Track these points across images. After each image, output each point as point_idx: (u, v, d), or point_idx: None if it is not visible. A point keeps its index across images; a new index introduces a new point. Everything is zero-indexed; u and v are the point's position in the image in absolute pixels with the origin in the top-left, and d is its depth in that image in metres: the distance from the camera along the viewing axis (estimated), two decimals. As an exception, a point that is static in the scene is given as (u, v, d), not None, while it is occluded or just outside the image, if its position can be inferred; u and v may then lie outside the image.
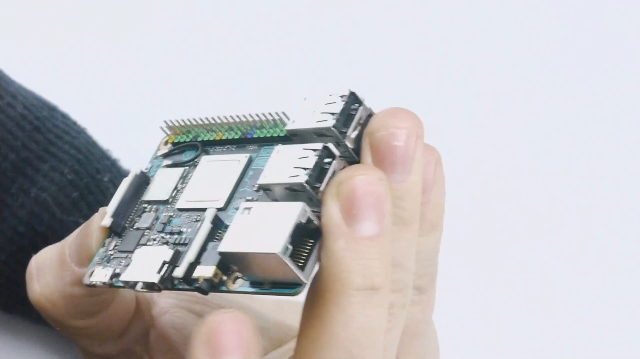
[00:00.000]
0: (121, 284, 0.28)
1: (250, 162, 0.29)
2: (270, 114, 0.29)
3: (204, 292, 0.26)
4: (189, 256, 0.27)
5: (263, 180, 0.26)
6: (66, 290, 0.30)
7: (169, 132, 0.32)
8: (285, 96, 0.57)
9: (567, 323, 0.53)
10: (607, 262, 0.55)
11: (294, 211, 0.25)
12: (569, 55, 0.59)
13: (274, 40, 0.57)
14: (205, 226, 0.27)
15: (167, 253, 0.27)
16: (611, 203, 0.56)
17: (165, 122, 0.32)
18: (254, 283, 0.26)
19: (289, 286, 0.25)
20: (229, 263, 0.26)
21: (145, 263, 0.28)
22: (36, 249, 0.44)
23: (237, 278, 0.26)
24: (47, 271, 0.31)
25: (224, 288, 0.26)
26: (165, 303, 0.34)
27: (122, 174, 0.47)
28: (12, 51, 0.55)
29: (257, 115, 0.29)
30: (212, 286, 0.26)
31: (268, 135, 0.29)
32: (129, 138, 0.54)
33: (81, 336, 0.32)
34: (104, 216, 0.30)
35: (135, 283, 0.27)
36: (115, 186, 0.46)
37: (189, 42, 0.57)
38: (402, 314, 0.27)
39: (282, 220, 0.25)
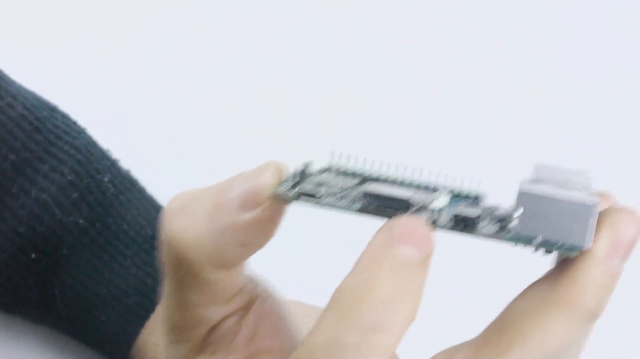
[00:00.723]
0: (363, 196, 0.28)
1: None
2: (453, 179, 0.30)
3: (460, 227, 0.27)
4: (453, 192, 0.29)
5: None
6: (218, 234, 0.29)
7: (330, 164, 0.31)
8: (285, 96, 0.57)
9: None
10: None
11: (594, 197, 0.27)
12: (570, 55, 0.59)
13: (275, 40, 0.57)
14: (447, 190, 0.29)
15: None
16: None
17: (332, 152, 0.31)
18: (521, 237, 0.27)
19: (567, 248, 0.27)
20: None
21: (391, 188, 0.28)
22: (36, 250, 0.44)
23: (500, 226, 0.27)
24: (198, 211, 0.29)
25: (485, 232, 0.27)
26: (268, 289, 0.33)
27: (122, 174, 0.47)
28: (12, 51, 0.55)
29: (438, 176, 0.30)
30: (471, 224, 0.27)
31: (456, 193, 0.30)
32: (129, 138, 0.54)
33: (197, 291, 0.30)
34: (282, 167, 0.29)
35: (382, 197, 0.28)
36: (116, 187, 0.46)
37: (189, 42, 0.57)
38: None
39: (582, 194, 0.27)
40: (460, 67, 0.58)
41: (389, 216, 0.27)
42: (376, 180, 0.30)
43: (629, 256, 0.27)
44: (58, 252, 0.45)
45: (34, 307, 0.46)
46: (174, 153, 0.55)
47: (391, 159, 0.30)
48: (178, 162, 0.55)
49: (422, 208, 0.28)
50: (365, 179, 0.30)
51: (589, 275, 0.27)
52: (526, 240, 0.27)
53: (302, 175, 0.30)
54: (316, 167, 0.31)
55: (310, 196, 0.29)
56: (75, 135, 0.46)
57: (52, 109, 0.46)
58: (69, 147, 0.45)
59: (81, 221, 0.45)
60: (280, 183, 0.29)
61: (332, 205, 0.29)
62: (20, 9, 0.56)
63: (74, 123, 0.47)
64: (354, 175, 0.30)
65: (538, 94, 0.58)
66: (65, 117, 0.47)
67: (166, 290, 0.31)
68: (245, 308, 0.32)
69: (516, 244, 0.27)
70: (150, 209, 0.46)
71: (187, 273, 0.30)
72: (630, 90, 0.59)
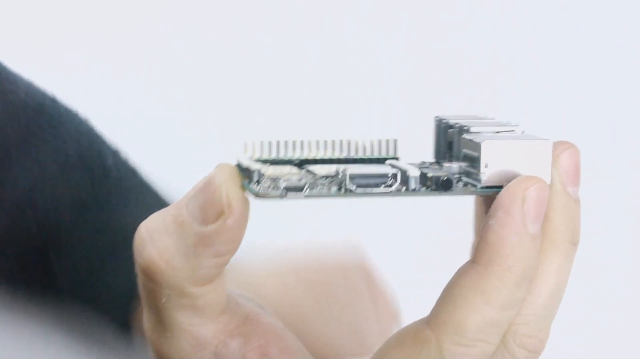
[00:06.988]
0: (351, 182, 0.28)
1: None
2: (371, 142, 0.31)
3: (441, 189, 0.29)
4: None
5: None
6: (189, 252, 0.28)
7: (247, 154, 0.30)
8: (284, 96, 0.57)
9: (566, 323, 0.53)
10: (606, 262, 0.55)
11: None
12: (569, 55, 0.60)
13: (274, 40, 0.58)
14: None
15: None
16: (610, 203, 0.56)
17: (246, 143, 0.30)
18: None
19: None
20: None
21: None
22: (37, 223, 0.44)
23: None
24: (163, 235, 0.29)
25: (459, 190, 0.29)
26: (258, 306, 0.33)
27: (124, 162, 0.47)
28: (12, 50, 0.55)
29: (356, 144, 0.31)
30: (449, 185, 0.29)
31: (379, 157, 0.31)
32: (129, 138, 0.54)
33: (187, 309, 0.30)
34: (233, 170, 0.29)
35: (367, 176, 0.28)
36: (119, 171, 0.46)
37: (189, 42, 0.57)
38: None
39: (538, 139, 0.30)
40: (462, 69, 0.59)
41: (373, 193, 0.29)
42: (312, 162, 0.30)
43: (579, 181, 0.30)
44: (59, 226, 0.44)
45: (35, 274, 0.45)
46: (174, 152, 0.55)
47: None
48: (178, 162, 0.55)
49: (403, 177, 0.29)
50: (302, 162, 0.30)
51: (557, 208, 0.29)
52: (495, 189, 0.29)
53: (248, 171, 0.29)
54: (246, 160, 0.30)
55: (298, 190, 0.29)
56: (78, 122, 0.46)
57: (53, 100, 0.47)
58: (74, 131, 0.45)
59: (83, 195, 0.45)
60: (244, 182, 0.29)
61: (318, 195, 0.29)
62: (20, 7, 0.56)
63: (76, 114, 0.47)
64: (285, 162, 0.30)
65: (542, 100, 0.58)
66: (67, 107, 0.47)
67: (149, 327, 0.31)
68: (240, 327, 0.31)
69: (487, 195, 0.29)
70: (149, 197, 0.46)
71: (170, 297, 0.29)
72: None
